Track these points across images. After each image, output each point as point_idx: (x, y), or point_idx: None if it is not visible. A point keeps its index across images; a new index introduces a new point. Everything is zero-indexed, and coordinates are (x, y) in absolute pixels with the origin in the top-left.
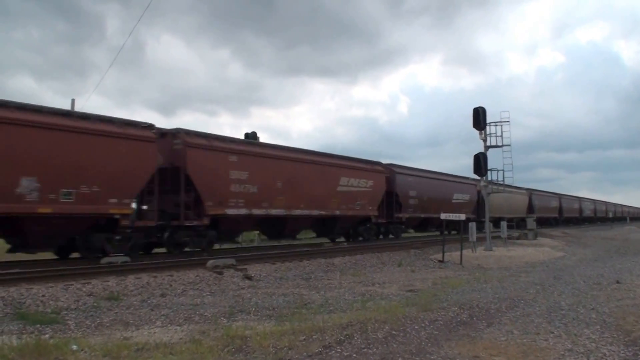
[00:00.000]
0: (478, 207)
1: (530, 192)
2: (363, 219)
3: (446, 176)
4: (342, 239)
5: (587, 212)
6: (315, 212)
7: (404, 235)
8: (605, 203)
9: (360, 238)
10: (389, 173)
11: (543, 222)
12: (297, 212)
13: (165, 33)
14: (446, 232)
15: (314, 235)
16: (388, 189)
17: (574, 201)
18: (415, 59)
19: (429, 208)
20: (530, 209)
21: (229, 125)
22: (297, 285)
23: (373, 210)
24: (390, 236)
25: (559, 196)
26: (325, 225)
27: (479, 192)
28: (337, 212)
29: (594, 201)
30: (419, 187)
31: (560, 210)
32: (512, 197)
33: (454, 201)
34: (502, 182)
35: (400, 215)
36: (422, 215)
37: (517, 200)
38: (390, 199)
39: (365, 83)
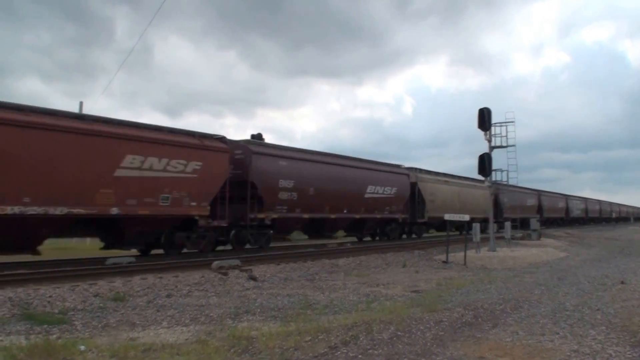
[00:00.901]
0: (412, 204)
1: (497, 186)
2: (184, 221)
3: (353, 161)
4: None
5: (577, 213)
6: (62, 211)
7: (281, 244)
8: (600, 202)
9: (185, 250)
10: (242, 153)
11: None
12: (14, 209)
13: (172, 35)
14: (368, 238)
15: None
16: (241, 177)
17: (558, 199)
18: (421, 60)
19: (322, 205)
20: (497, 207)
21: (234, 127)
22: (302, 286)
23: (200, 208)
24: (248, 246)
25: (539, 193)
26: (106, 231)
27: (413, 185)
28: (115, 211)
29: (584, 199)
30: (301, 176)
31: (540, 209)
32: (468, 192)
33: (368, 196)
34: (505, 182)
35: (263, 215)
36: (307, 216)
37: (475, 197)
38: (244, 192)
39: (370, 84)
